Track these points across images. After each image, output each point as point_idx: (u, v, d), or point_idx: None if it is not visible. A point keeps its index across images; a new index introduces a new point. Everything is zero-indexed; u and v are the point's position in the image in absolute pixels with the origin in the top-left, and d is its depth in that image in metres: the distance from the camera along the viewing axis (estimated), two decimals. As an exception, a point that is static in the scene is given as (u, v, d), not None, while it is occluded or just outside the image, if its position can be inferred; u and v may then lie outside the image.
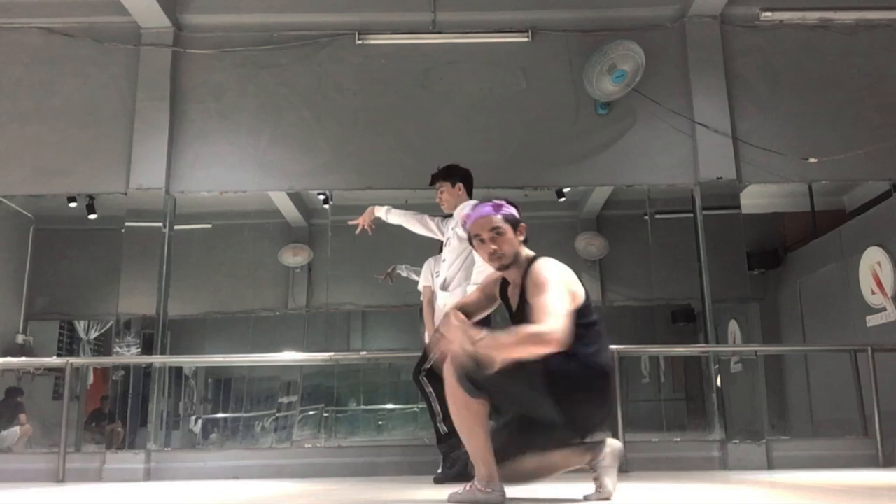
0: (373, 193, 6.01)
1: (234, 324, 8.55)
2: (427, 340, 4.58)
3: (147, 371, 5.77)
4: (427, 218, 4.73)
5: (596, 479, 2.74)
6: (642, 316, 8.36)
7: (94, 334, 8.67)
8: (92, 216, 6.87)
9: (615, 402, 2.57)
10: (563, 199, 6.89)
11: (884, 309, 6.71)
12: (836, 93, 6.29)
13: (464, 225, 2.91)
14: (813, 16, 6.36)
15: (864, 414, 5.47)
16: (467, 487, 2.67)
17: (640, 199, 6.94)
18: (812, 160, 6.05)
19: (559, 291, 2.56)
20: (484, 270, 3.85)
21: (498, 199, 2.84)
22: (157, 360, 5.85)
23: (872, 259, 6.86)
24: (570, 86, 6.28)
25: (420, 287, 5.22)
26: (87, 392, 7.95)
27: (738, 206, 6.07)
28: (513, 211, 2.83)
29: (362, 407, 8.41)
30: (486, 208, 2.80)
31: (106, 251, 6.90)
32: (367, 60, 6.37)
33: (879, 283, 6.76)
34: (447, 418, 4.16)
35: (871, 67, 6.33)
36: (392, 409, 8.43)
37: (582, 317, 2.64)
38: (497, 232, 2.74)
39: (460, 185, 4.53)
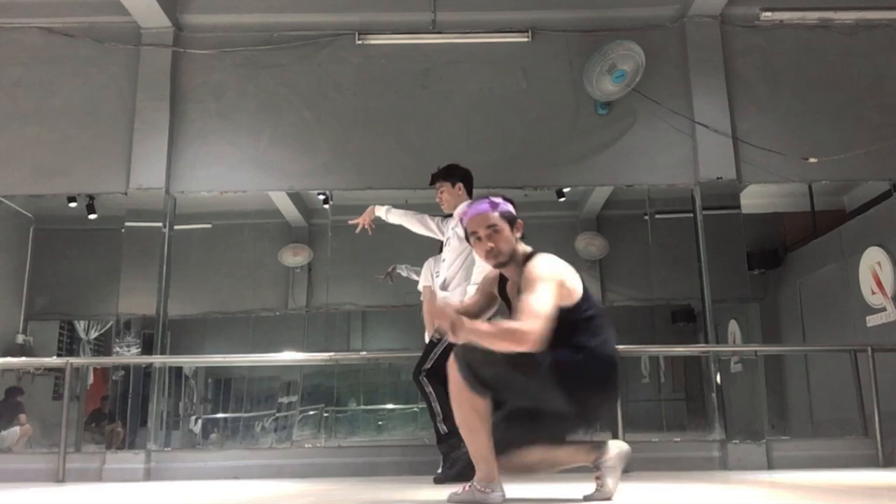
0: (373, 193, 6.01)
1: (234, 324, 8.55)
2: (427, 341, 4.58)
3: (147, 371, 5.77)
4: (427, 218, 4.73)
5: (598, 479, 2.73)
6: (642, 316, 8.36)
7: (94, 334, 8.67)
8: (92, 216, 6.87)
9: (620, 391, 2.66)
10: (563, 199, 6.90)
11: (884, 309, 6.71)
12: (836, 93, 6.29)
13: (461, 222, 2.91)
14: (813, 16, 6.36)
15: (864, 414, 5.47)
16: (466, 487, 2.67)
17: (640, 199, 6.93)
18: (812, 160, 6.05)
19: (546, 291, 2.56)
20: (484, 270, 3.84)
21: (495, 195, 2.84)
22: (157, 360, 5.85)
23: (872, 259, 6.86)
24: (570, 86, 6.28)
25: (420, 287, 5.22)
26: (87, 392, 7.95)
27: (738, 206, 6.07)
28: (509, 208, 2.82)
29: (362, 407, 8.41)
30: (483, 205, 2.80)
31: (106, 251, 6.90)
32: (367, 60, 6.37)
33: (879, 283, 6.76)
34: (447, 418, 4.18)
35: (871, 67, 6.33)
36: (392, 409, 8.43)
37: (582, 310, 2.65)
38: (494, 229, 2.74)
39: (460, 185, 4.53)
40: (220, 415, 8.61)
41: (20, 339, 8.10)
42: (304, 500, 3.17)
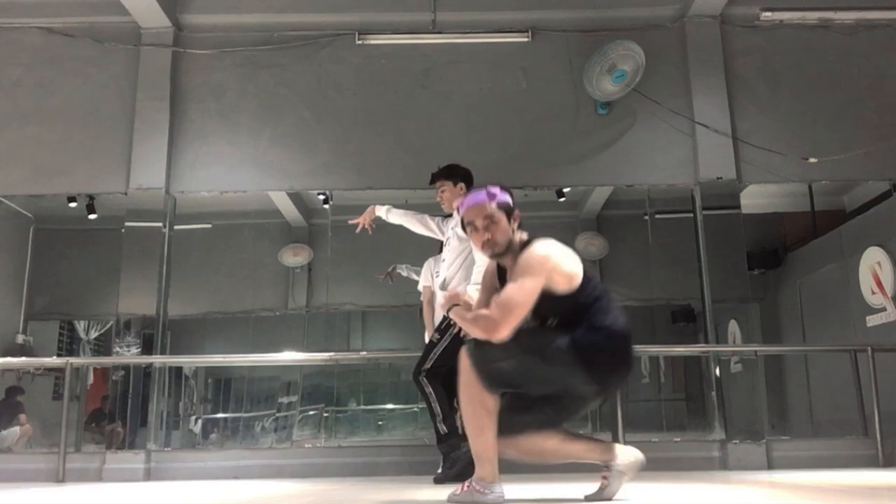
0: (373, 193, 6.01)
1: (234, 324, 8.55)
2: (427, 341, 4.58)
3: (147, 371, 5.77)
4: (427, 218, 4.74)
5: (605, 479, 2.73)
6: (642, 316, 8.36)
7: (94, 334, 8.67)
8: (92, 216, 6.87)
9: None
10: (563, 199, 6.89)
11: (884, 309, 6.71)
12: (836, 93, 6.28)
13: (457, 211, 2.91)
14: (813, 16, 6.36)
15: (864, 414, 5.47)
16: (465, 487, 2.64)
17: (640, 199, 6.93)
18: (812, 160, 6.05)
19: (527, 284, 2.57)
20: (483, 270, 3.85)
21: (492, 186, 2.83)
22: (157, 360, 5.85)
23: (872, 259, 6.86)
24: (570, 86, 6.28)
25: (420, 287, 5.23)
26: (87, 392, 7.95)
27: (738, 206, 6.07)
28: (507, 198, 2.81)
29: (362, 407, 8.41)
30: (481, 196, 2.79)
31: (106, 251, 6.90)
32: (367, 60, 6.37)
33: (879, 283, 6.76)
34: (447, 418, 4.19)
35: (871, 67, 6.33)
36: (392, 409, 8.43)
37: (587, 292, 2.66)
38: (491, 220, 2.74)
39: (462, 184, 4.53)
40: (220, 415, 8.62)
41: (20, 339, 8.11)
42: (304, 500, 3.17)
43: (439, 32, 6.38)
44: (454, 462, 4.11)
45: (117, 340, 5.84)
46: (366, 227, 4.86)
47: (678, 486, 3.49)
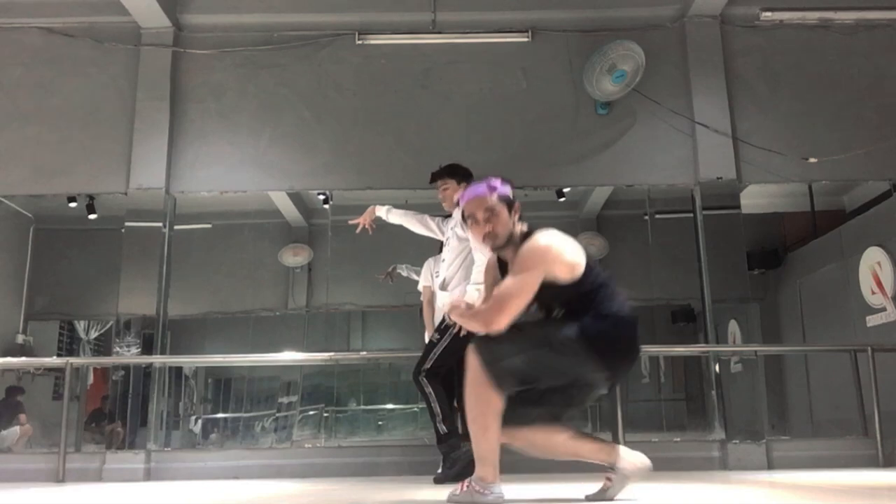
0: (373, 193, 6.01)
1: (234, 324, 8.55)
2: (427, 340, 4.58)
3: (147, 371, 5.77)
4: (427, 218, 4.73)
5: (609, 480, 2.72)
6: (642, 316, 8.24)
7: (94, 334, 8.67)
8: (92, 216, 6.87)
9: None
10: (563, 199, 6.89)
11: (884, 309, 6.71)
12: (836, 93, 6.29)
13: (458, 204, 2.91)
14: (813, 16, 6.36)
15: (864, 414, 5.47)
16: (465, 487, 2.63)
17: (640, 199, 6.93)
18: (812, 160, 6.05)
19: (528, 275, 2.58)
20: (483, 270, 3.84)
21: (493, 178, 2.82)
22: (157, 360, 5.85)
23: (872, 259, 6.86)
24: (570, 86, 6.28)
25: (420, 287, 5.23)
26: (87, 392, 7.95)
27: (738, 206, 6.07)
28: (507, 191, 2.80)
29: (362, 407, 8.41)
30: (481, 188, 2.78)
31: (106, 251, 6.90)
32: (367, 60, 6.37)
33: (879, 283, 6.76)
34: (447, 418, 4.19)
35: (871, 67, 6.33)
36: (392, 409, 8.43)
37: (590, 281, 2.67)
38: (492, 212, 2.73)
39: (465, 184, 4.52)
40: (220, 415, 8.61)
41: (20, 339, 8.11)
42: (304, 500, 3.17)
43: (439, 32, 6.38)
44: (454, 462, 4.11)
45: (117, 340, 5.84)
46: (366, 227, 4.85)
47: (678, 486, 3.49)
